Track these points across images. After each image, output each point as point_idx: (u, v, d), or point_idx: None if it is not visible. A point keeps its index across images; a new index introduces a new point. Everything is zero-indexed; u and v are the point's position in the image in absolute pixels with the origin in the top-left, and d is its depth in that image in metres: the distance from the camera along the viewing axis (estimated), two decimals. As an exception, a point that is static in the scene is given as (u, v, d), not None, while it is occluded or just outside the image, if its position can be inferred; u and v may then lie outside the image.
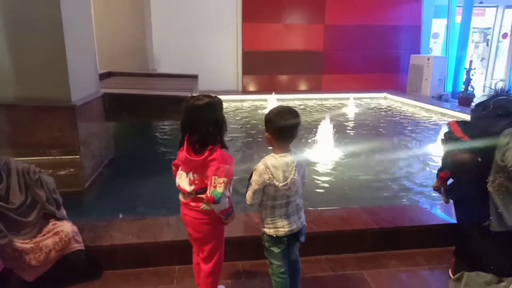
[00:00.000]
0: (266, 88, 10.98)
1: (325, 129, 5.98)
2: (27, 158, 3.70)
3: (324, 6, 11.13)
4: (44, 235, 2.41)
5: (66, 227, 2.45)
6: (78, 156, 3.94)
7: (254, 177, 2.00)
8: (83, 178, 4.01)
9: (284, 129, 1.97)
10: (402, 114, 9.09)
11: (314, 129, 6.31)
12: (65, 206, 2.65)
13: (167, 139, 6.85)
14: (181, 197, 2.10)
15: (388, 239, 2.93)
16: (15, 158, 2.62)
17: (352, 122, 8.27)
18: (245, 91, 11.25)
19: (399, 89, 11.41)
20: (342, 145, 5.96)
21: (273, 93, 9.31)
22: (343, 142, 6.19)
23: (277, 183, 1.96)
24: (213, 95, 2.02)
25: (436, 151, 5.72)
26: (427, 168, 5.15)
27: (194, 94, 7.20)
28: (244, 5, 10.83)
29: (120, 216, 3.45)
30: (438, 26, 12.82)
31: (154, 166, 5.15)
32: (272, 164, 1.98)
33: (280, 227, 2.05)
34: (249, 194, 2.05)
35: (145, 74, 8.37)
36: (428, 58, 10.61)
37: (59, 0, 3.75)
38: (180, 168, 2.08)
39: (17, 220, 2.35)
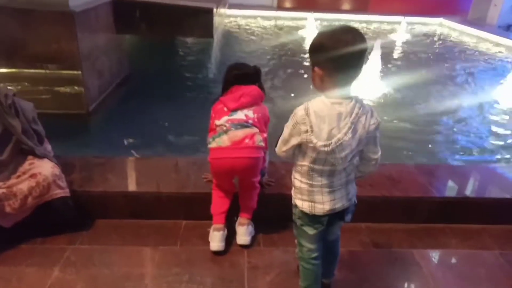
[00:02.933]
0: (304, 5, 9.70)
1: (369, 60, 5.08)
2: (20, 70, 3.18)
3: None
4: (19, 176, 1.93)
5: (45, 169, 1.95)
6: (80, 72, 3.36)
7: (289, 122, 1.39)
8: (86, 99, 3.48)
9: (345, 57, 1.26)
10: (459, 46, 7.85)
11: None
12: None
13: (191, 57, 6.17)
14: (227, 141, 1.91)
15: (449, 210, 2.31)
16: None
17: (400, 52, 7.21)
18: (280, 7, 10.04)
19: (459, 14, 9.81)
20: (387, 82, 5.12)
21: (312, 11, 8.14)
22: (388, 78, 5.32)
23: (315, 141, 1.32)
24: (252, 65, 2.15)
25: (502, 96, 4.81)
26: (493, 118, 4.32)
27: (222, 7, 6.30)
28: None
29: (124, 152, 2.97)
30: None
31: (174, 87, 4.61)
32: (317, 112, 1.31)
33: (318, 202, 1.45)
34: (279, 141, 1.46)
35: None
36: (502, -22, 8.89)
37: None
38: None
39: (-16, 158, 1.87)
